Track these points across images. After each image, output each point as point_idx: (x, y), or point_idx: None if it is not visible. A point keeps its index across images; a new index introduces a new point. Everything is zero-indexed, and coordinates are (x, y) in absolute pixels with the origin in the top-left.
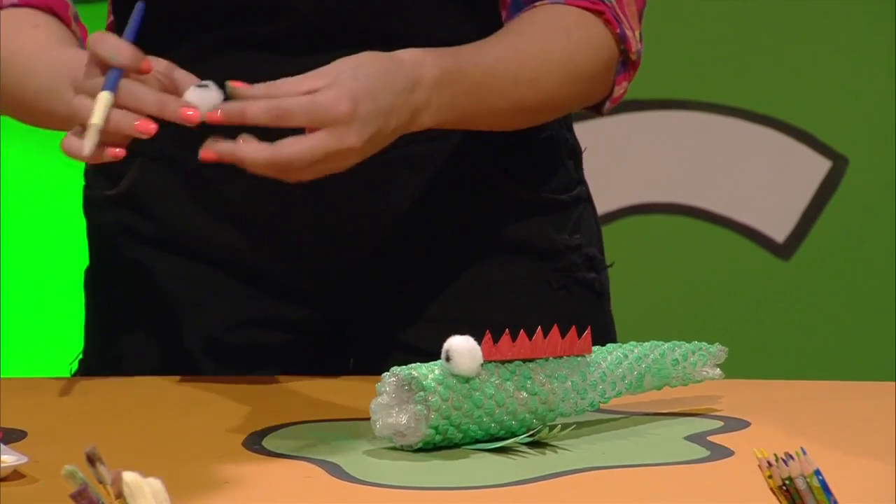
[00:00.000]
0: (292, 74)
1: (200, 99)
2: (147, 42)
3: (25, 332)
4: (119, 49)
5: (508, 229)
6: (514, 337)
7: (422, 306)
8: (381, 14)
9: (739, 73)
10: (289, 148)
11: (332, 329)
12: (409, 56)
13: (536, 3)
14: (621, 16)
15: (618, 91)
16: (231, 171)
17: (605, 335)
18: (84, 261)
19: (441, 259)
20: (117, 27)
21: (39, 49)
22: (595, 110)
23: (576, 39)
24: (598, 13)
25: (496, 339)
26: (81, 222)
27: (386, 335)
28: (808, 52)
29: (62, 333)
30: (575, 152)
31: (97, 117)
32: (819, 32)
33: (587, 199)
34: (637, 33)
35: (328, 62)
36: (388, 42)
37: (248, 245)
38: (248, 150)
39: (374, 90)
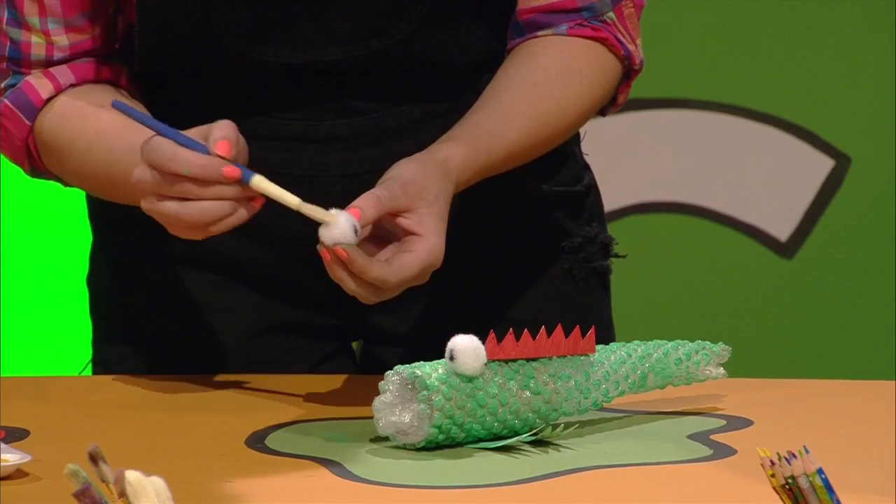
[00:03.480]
0: (327, 116)
1: (343, 228)
2: (193, 93)
3: (27, 332)
4: (193, 163)
5: (531, 225)
6: (526, 334)
7: (447, 307)
8: (405, 52)
9: (742, 71)
10: (403, 270)
11: (355, 332)
12: (455, 161)
13: (539, 34)
14: (623, 32)
15: (621, 99)
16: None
17: (610, 325)
18: (81, 258)
19: (466, 261)
20: (125, 50)
21: (115, 134)
22: (598, 114)
23: (588, 82)
24: (602, 40)
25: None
26: (82, 222)
27: (410, 336)
28: (811, 50)
29: (64, 333)
30: (578, 138)
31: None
32: (822, 31)
33: (595, 184)
34: (638, 42)
35: (357, 102)
36: (413, 70)
37: (276, 260)
38: (369, 266)
39: (445, 210)
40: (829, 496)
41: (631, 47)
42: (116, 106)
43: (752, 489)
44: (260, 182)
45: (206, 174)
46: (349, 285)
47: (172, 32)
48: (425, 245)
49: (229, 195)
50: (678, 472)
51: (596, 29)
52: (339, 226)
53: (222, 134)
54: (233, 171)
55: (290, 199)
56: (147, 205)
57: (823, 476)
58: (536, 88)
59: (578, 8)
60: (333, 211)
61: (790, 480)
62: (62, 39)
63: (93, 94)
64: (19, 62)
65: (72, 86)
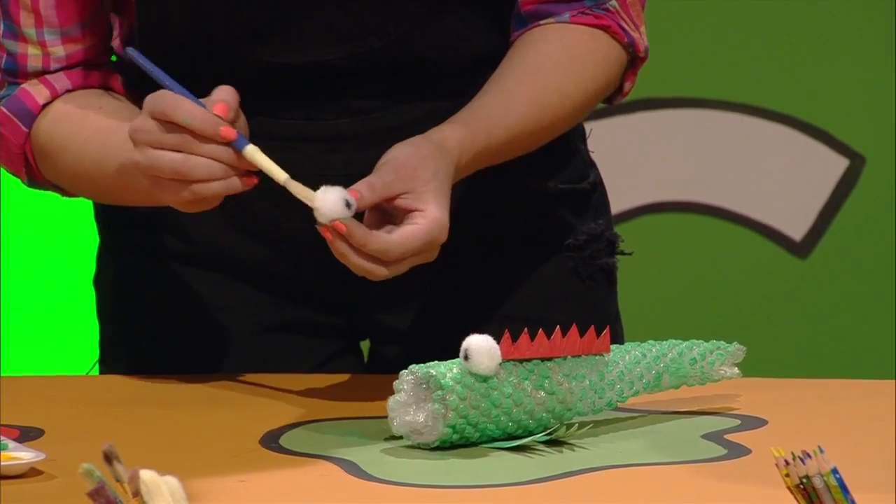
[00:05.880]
0: (329, 115)
1: (335, 204)
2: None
3: (34, 332)
4: (193, 115)
5: (537, 222)
6: (540, 333)
7: (453, 305)
8: (406, 50)
9: (755, 70)
10: (403, 243)
11: (362, 331)
12: (451, 142)
13: (541, 22)
14: (626, 20)
15: (627, 87)
16: (262, 190)
17: (617, 322)
18: (88, 259)
19: (472, 259)
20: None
21: (111, 129)
22: (605, 102)
23: (591, 70)
24: (604, 27)
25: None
26: (88, 222)
27: (417, 334)
28: (826, 50)
29: (71, 333)
30: (584, 135)
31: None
32: (836, 30)
33: (601, 181)
34: (642, 29)
35: (359, 101)
36: (414, 68)
37: (280, 259)
38: (370, 238)
39: (446, 187)
40: (844, 496)
41: (634, 35)
42: (130, 53)
43: (767, 489)
44: (253, 152)
45: (203, 128)
46: (353, 260)
47: (173, 34)
48: (428, 217)
49: (223, 157)
50: (692, 471)
51: (598, 17)
52: (330, 200)
53: (222, 97)
54: (229, 131)
55: (279, 175)
56: (140, 155)
57: (838, 476)
58: (537, 74)
59: None
60: (324, 187)
61: (805, 480)
62: (58, 50)
63: (88, 98)
64: (16, 73)
65: (67, 91)
